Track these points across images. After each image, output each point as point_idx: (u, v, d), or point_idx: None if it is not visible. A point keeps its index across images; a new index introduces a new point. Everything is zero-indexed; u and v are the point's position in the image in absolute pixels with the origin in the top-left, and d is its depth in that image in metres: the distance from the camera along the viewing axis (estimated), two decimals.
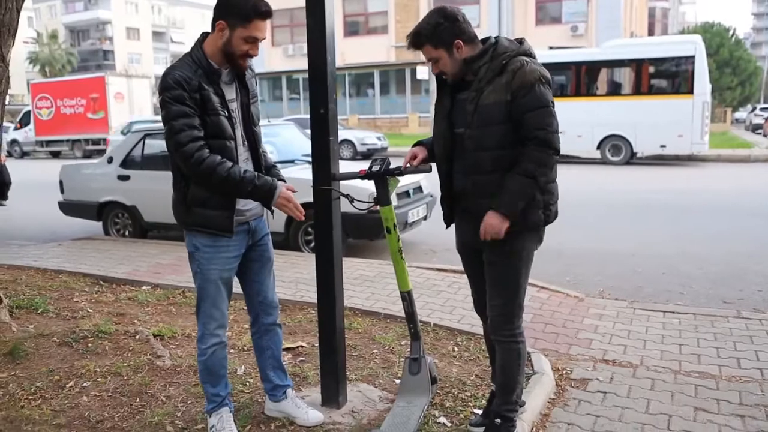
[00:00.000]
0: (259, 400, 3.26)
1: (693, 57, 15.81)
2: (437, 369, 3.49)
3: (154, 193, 7.14)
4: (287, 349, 3.90)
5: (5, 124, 5.57)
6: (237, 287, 2.92)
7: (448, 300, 5.03)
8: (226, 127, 2.66)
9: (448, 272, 5.81)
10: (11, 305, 4.75)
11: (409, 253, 5.91)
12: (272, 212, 2.85)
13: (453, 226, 2.94)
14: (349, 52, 30.54)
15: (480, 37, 2.71)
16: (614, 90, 17.38)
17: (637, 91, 16.71)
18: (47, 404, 3.28)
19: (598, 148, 17.04)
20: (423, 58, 2.72)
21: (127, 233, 7.87)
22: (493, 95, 2.55)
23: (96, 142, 25.25)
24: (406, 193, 6.99)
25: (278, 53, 33.68)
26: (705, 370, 3.76)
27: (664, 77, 16.81)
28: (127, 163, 7.66)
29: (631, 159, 16.93)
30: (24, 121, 28.28)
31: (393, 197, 3.18)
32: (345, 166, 3.38)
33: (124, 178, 7.63)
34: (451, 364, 3.80)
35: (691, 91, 15.81)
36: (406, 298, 3.10)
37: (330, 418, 3.05)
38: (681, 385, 3.54)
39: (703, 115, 15.80)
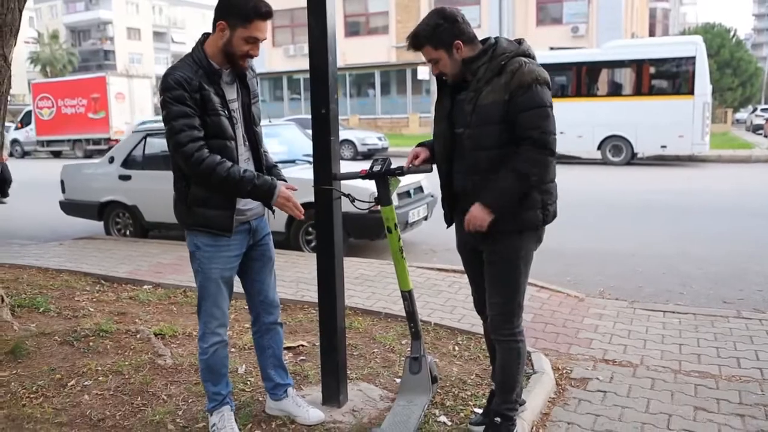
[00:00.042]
0: (260, 398, 3.27)
1: (694, 58, 15.82)
2: (438, 368, 3.50)
3: (155, 193, 7.15)
4: (288, 348, 3.91)
5: (6, 123, 5.57)
6: (238, 286, 2.93)
7: (449, 299, 5.04)
8: (227, 128, 2.67)
9: (449, 272, 5.82)
10: (13, 304, 4.77)
11: (409, 253, 5.92)
12: (273, 212, 2.86)
13: (453, 225, 2.95)
14: (349, 52, 30.55)
15: (481, 37, 2.72)
16: (615, 90, 17.39)
17: (638, 91, 16.72)
18: (49, 403, 3.29)
19: (599, 148, 17.05)
20: (423, 58, 2.73)
21: (128, 233, 7.89)
22: (491, 95, 2.56)
23: (97, 141, 25.28)
24: (407, 193, 7.00)
25: (279, 53, 33.70)
26: (705, 370, 3.77)
27: (665, 78, 16.82)
28: (128, 162, 7.67)
29: (632, 159, 16.93)
30: (25, 121, 28.31)
31: (394, 197, 3.19)
32: (346, 166, 3.38)
33: (125, 177, 7.64)
34: (452, 363, 3.81)
35: (691, 92, 15.81)
36: (407, 297, 3.11)
37: (331, 416, 3.06)
38: (681, 385, 3.55)
39: (704, 116, 15.81)
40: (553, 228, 2.86)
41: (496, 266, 2.72)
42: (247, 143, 2.82)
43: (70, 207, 8.36)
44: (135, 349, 3.97)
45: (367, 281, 5.56)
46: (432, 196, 7.43)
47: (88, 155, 24.44)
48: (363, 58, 31.14)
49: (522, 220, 2.64)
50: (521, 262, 2.70)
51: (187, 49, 2.78)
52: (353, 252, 6.85)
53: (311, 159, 3.15)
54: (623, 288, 5.73)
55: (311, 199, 3.05)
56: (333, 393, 3.17)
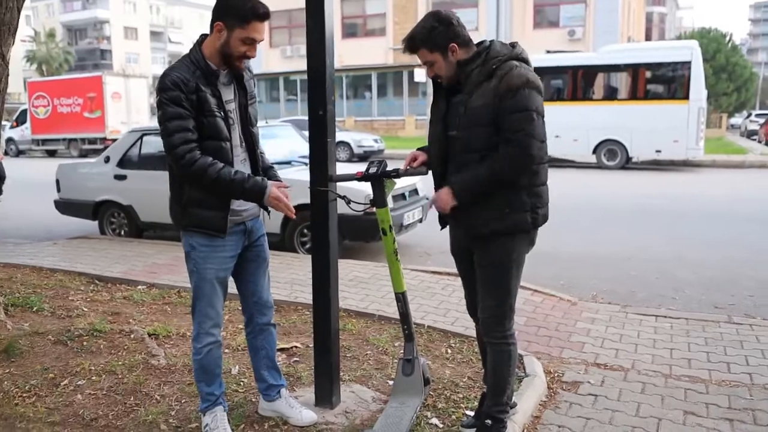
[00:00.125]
0: (253, 399, 3.28)
1: (689, 62, 15.89)
2: (430, 370, 3.51)
3: (151, 193, 7.15)
4: (282, 350, 3.92)
5: (2, 122, 5.58)
6: (232, 287, 2.94)
7: (442, 302, 5.06)
8: (222, 129, 2.69)
9: (443, 275, 5.84)
10: (6, 303, 4.77)
11: (404, 256, 5.92)
12: (269, 213, 2.87)
13: (448, 228, 2.97)
14: (346, 53, 30.56)
15: (478, 40, 2.74)
16: (611, 95, 17.46)
17: (634, 96, 16.78)
18: (42, 402, 3.29)
19: (594, 152, 17.10)
20: (420, 61, 2.75)
21: (122, 233, 7.88)
22: (481, 98, 2.58)
23: (92, 141, 25.23)
24: (402, 196, 7.01)
25: (276, 54, 33.71)
26: (695, 374, 3.79)
27: (661, 82, 16.89)
28: (124, 162, 7.67)
29: (627, 164, 16.98)
30: (20, 120, 28.21)
31: (389, 199, 3.21)
32: (341, 168, 3.40)
33: (120, 177, 7.64)
34: (444, 365, 3.83)
35: (687, 97, 15.87)
36: (401, 299, 3.13)
37: (323, 418, 3.08)
38: (671, 389, 3.57)
39: (699, 121, 15.87)
40: (548, 232, 2.88)
41: (488, 269, 2.73)
42: (243, 144, 2.83)
43: (65, 206, 8.35)
44: (128, 349, 3.98)
45: (361, 283, 5.58)
46: (427, 198, 7.44)
47: (84, 154, 24.40)
48: (360, 59, 31.17)
49: (511, 223, 2.65)
50: (513, 265, 2.72)
51: (184, 49, 2.80)
52: (348, 254, 6.86)
53: (307, 160, 3.16)
54: (616, 292, 5.76)
55: (307, 200, 3.06)
56: (326, 394, 3.19)
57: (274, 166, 3.08)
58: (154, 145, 7.48)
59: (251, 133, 2.86)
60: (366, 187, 3.03)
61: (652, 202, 11.03)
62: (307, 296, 4.88)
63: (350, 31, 33.21)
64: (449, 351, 4.08)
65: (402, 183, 6.84)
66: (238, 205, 2.78)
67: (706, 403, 3.38)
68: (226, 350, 3.94)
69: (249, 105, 2.86)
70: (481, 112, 2.57)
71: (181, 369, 3.70)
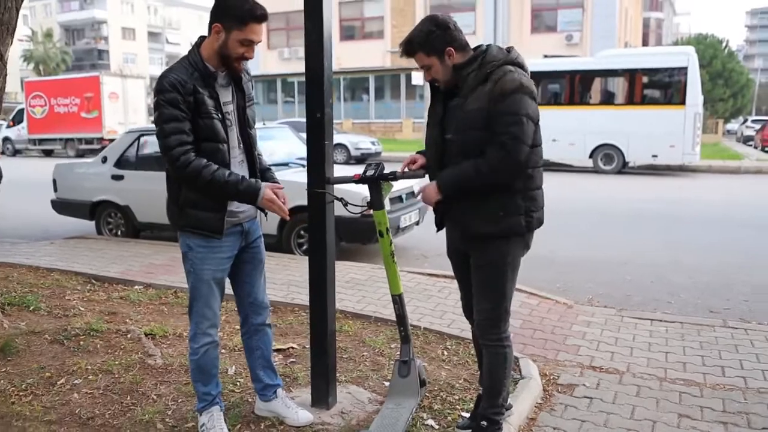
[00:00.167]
0: (250, 399, 3.29)
1: (686, 68, 15.93)
2: (426, 372, 3.53)
3: (148, 194, 7.15)
4: (278, 350, 3.93)
5: None
6: (228, 288, 2.95)
7: (439, 304, 5.07)
8: (219, 130, 2.70)
9: (440, 277, 5.85)
10: (3, 302, 4.77)
11: (401, 258, 5.94)
12: (266, 214, 2.89)
13: (444, 231, 2.98)
14: (344, 56, 30.61)
15: (476, 44, 2.76)
16: (607, 99, 17.49)
17: (630, 101, 16.83)
18: (38, 401, 3.29)
19: (591, 156, 17.14)
20: (417, 64, 2.77)
21: (119, 233, 7.88)
22: (476, 102, 2.60)
23: (89, 141, 25.19)
24: (399, 198, 7.02)
25: (274, 56, 33.74)
26: (690, 378, 3.81)
27: (657, 88, 16.93)
28: (121, 163, 7.67)
29: (623, 168, 17.02)
30: (17, 119, 28.17)
31: (386, 202, 3.22)
32: (339, 170, 3.41)
33: (117, 177, 7.64)
34: (440, 367, 3.84)
35: (683, 102, 15.92)
36: (397, 301, 3.14)
37: (319, 418, 3.08)
38: (666, 392, 3.59)
39: (695, 126, 15.92)
40: (545, 235, 2.90)
41: (484, 271, 2.75)
42: (241, 146, 2.85)
43: (61, 206, 8.34)
44: (125, 349, 3.98)
45: (358, 285, 5.59)
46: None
47: (80, 154, 24.36)
48: (358, 62, 31.20)
49: (505, 226, 2.67)
50: (508, 268, 2.73)
51: (182, 50, 2.82)
52: (345, 256, 6.87)
53: (305, 162, 3.17)
54: (612, 296, 5.78)
55: (304, 202, 3.07)
56: (322, 395, 3.19)
57: (272, 167, 3.09)
58: (151, 145, 7.48)
59: (249, 135, 2.88)
60: (363, 190, 3.05)
61: (648, 206, 11.06)
62: (303, 297, 4.89)
63: (348, 33, 33.26)
64: (445, 353, 4.09)
65: (399, 186, 6.85)
66: (236, 206, 2.79)
67: (701, 407, 3.40)
68: (223, 350, 3.94)
69: (247, 107, 2.87)
70: (476, 115, 2.59)
71: (178, 369, 3.70)
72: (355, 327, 4.50)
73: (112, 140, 13.62)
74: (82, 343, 4.05)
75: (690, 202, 11.73)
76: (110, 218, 7.94)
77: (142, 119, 25.79)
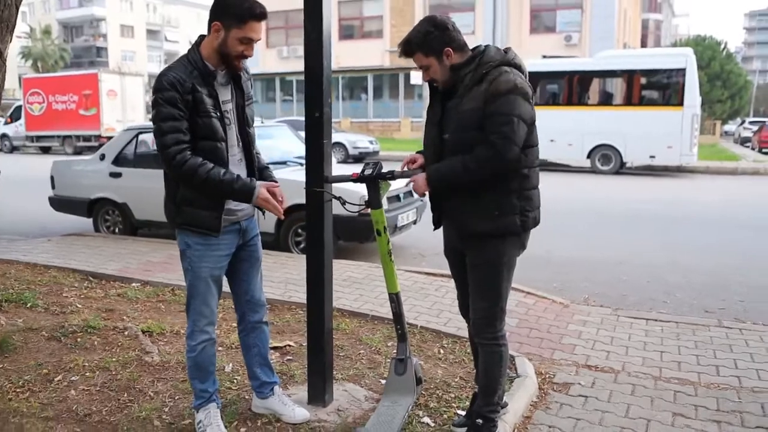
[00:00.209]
0: (246, 397, 3.30)
1: (684, 69, 15.97)
2: (422, 370, 3.54)
3: (146, 191, 7.16)
4: (275, 348, 3.94)
5: None
6: (225, 286, 2.96)
7: (436, 303, 5.09)
8: (218, 129, 2.71)
9: (437, 276, 5.87)
10: (0, 299, 4.77)
11: (398, 257, 5.94)
12: (263, 213, 2.90)
13: (442, 230, 3.00)
14: (343, 55, 30.61)
15: (475, 44, 2.77)
16: (606, 100, 17.54)
17: (628, 101, 16.87)
18: (35, 397, 3.30)
19: (588, 157, 17.17)
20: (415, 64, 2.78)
21: (117, 230, 7.88)
22: (471, 102, 2.61)
23: (87, 138, 25.17)
24: (397, 197, 7.04)
25: (273, 55, 33.72)
26: (684, 377, 3.83)
27: (655, 89, 16.98)
28: (119, 160, 7.67)
29: (621, 169, 17.06)
30: (15, 116, 28.14)
31: (384, 201, 3.24)
32: (337, 169, 3.42)
33: (115, 175, 7.64)
34: (437, 365, 3.86)
35: (681, 103, 15.96)
36: (394, 299, 3.15)
37: (316, 416, 3.10)
38: (661, 391, 3.61)
39: (693, 127, 15.97)
40: (543, 235, 2.92)
41: (480, 270, 2.77)
42: (240, 144, 2.85)
43: (59, 203, 8.34)
44: (122, 346, 3.99)
45: (355, 283, 5.60)
46: (421, 200, 7.47)
47: (78, 152, 24.36)
48: (356, 61, 31.20)
49: (501, 225, 2.68)
50: (504, 267, 2.75)
51: (181, 48, 2.83)
52: (342, 254, 6.88)
53: (303, 161, 3.18)
54: (608, 295, 5.80)
55: (302, 200, 3.09)
56: (319, 393, 3.21)
57: (270, 166, 3.10)
58: (149, 143, 7.48)
59: (248, 134, 2.88)
60: (361, 189, 3.06)
61: (645, 207, 11.09)
62: (301, 295, 4.90)
63: (347, 32, 33.25)
64: (441, 351, 4.11)
65: (396, 185, 6.84)
66: (234, 205, 2.80)
67: (695, 405, 3.42)
68: (220, 348, 3.96)
69: (246, 106, 2.88)
70: (471, 115, 2.61)
71: (175, 366, 3.71)
72: (352, 325, 4.52)
73: (110, 138, 13.60)
74: (79, 340, 4.06)
75: (687, 203, 11.75)
76: (108, 215, 7.94)
77: (141, 117, 25.77)
